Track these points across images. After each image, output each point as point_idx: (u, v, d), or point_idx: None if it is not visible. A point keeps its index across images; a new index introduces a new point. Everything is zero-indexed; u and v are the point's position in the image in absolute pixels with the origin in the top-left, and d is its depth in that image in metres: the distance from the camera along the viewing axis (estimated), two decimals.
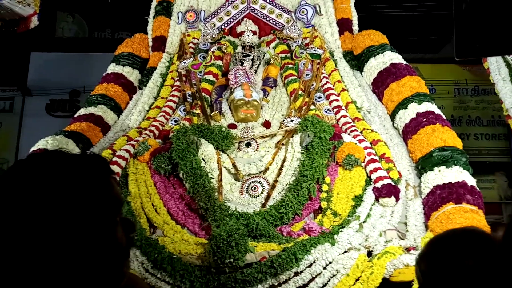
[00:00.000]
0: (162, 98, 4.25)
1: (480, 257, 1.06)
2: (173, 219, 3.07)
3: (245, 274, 2.56)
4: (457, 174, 3.02)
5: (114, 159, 3.36)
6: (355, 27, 4.81)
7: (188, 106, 4.03)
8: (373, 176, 3.09)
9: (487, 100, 7.09)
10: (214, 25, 4.92)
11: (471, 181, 3.00)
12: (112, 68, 4.65)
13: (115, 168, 3.29)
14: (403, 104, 3.72)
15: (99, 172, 0.84)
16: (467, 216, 2.65)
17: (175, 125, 3.87)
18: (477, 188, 2.94)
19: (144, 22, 5.16)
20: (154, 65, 4.68)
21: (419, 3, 6.79)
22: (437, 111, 3.58)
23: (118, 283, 0.82)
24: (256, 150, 3.61)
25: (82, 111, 4.17)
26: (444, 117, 3.55)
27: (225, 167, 3.42)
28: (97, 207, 0.80)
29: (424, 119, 3.45)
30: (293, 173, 3.23)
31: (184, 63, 4.46)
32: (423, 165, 3.26)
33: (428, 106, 3.61)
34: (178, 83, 4.33)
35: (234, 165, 3.44)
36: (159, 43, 4.85)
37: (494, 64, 4.30)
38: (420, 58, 7.20)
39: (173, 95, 4.22)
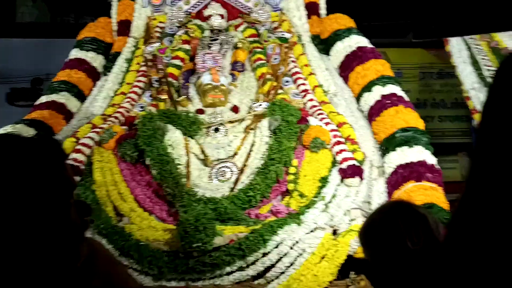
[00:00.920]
0: (128, 84, 4.16)
1: (411, 227, 1.12)
2: (140, 207, 3.04)
3: (214, 257, 2.58)
4: (418, 153, 3.12)
5: (78, 147, 3.29)
6: (323, 11, 4.81)
7: (155, 92, 3.96)
8: (339, 158, 3.15)
9: (451, 83, 7.26)
10: (181, 9, 4.81)
11: (432, 160, 3.11)
12: (75, 53, 4.50)
13: (79, 156, 3.22)
14: (368, 87, 3.79)
15: (51, 154, 0.84)
16: (427, 193, 2.74)
17: (141, 111, 3.81)
18: (437, 167, 3.05)
19: (109, 6, 5.01)
20: (119, 50, 4.56)
21: None
22: (401, 93, 3.67)
23: (73, 265, 0.82)
24: (225, 135, 3.60)
25: (43, 99, 4.03)
26: (407, 98, 3.65)
27: (193, 153, 3.41)
28: (49, 190, 0.79)
29: (388, 101, 3.53)
30: (262, 157, 3.26)
31: (150, 47, 4.37)
32: (387, 145, 3.35)
33: (392, 89, 3.69)
34: (144, 68, 4.23)
35: (202, 151, 3.43)
36: (124, 27, 4.72)
37: (455, 47, 4.41)
38: (387, 42, 7.28)
39: (139, 81, 4.13)
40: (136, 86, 4.09)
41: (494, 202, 0.67)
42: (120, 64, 4.39)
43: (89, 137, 3.37)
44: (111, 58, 4.55)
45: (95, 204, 2.90)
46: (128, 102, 3.92)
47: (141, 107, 3.91)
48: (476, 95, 3.98)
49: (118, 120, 3.69)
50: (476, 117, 4.07)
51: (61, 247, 0.79)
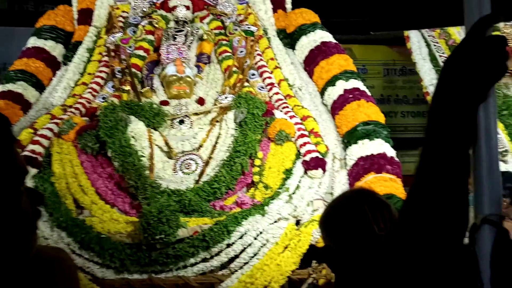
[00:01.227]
0: (89, 74, 4.03)
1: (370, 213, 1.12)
2: (101, 199, 2.97)
3: (177, 249, 2.57)
4: (379, 146, 3.22)
5: (36, 138, 3.17)
6: (289, 5, 4.84)
7: (117, 83, 3.87)
8: (302, 150, 3.20)
9: (413, 79, 7.48)
10: None
11: (391, 152, 3.21)
12: (33, 42, 4.33)
13: (37, 147, 3.11)
14: (331, 81, 3.86)
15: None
16: (387, 184, 2.84)
17: (103, 102, 3.71)
18: (396, 159, 3.16)
19: None
20: (80, 39, 4.41)
21: None
22: (363, 87, 3.76)
23: (25, 255, 0.78)
24: (190, 127, 3.57)
25: None
26: (369, 93, 3.74)
27: (157, 145, 3.36)
28: None
29: (351, 95, 3.61)
30: (227, 149, 3.25)
31: (113, 37, 4.26)
32: (349, 138, 3.43)
33: (354, 83, 3.77)
34: (106, 58, 4.12)
35: (166, 143, 3.39)
36: (85, 16, 4.57)
37: (416, 44, 4.56)
38: (353, 39, 7.42)
39: (101, 71, 4.02)
40: (98, 76, 3.98)
41: (438, 192, 0.71)
42: (81, 53, 4.25)
43: (48, 128, 3.25)
44: (71, 48, 4.41)
45: (54, 197, 2.81)
46: (89, 92, 3.81)
47: (103, 98, 3.81)
48: None
49: (79, 111, 3.58)
50: None
51: (11, 236, 0.75)
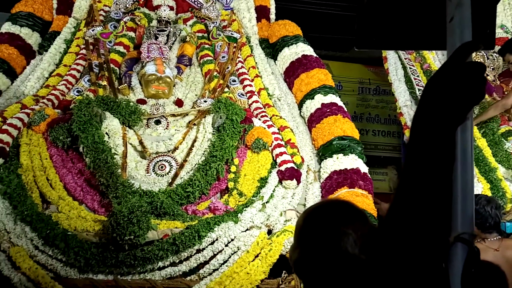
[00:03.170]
0: (65, 65, 3.92)
1: (354, 223, 1.10)
2: (70, 195, 2.87)
3: (145, 252, 2.49)
4: (353, 161, 3.28)
5: (4, 127, 3.03)
6: (273, 16, 4.90)
7: (94, 77, 3.77)
8: (278, 160, 3.21)
9: (386, 100, 7.72)
10: None
11: (364, 168, 3.28)
12: (7, 27, 4.17)
13: (4, 137, 2.97)
14: (310, 95, 3.91)
15: None
16: (358, 199, 2.88)
17: (77, 95, 3.60)
18: (369, 175, 3.23)
19: None
20: (58, 29, 4.29)
21: (334, 2, 7.13)
22: (340, 103, 3.83)
23: None
24: (166, 128, 3.51)
25: None
26: (345, 109, 3.81)
27: (131, 144, 3.28)
28: None
29: (328, 110, 3.67)
30: (203, 154, 3.21)
31: (93, 30, 4.16)
32: (324, 152, 3.48)
33: (332, 98, 3.84)
34: (84, 51, 4.02)
35: (141, 142, 3.31)
36: (65, 6, 4.45)
37: (393, 66, 4.69)
38: (331, 55, 7.57)
39: (77, 64, 3.91)
40: (74, 69, 3.87)
41: (417, 212, 0.73)
42: (58, 44, 4.13)
43: (17, 118, 3.12)
44: (48, 37, 4.28)
45: (20, 189, 2.69)
46: (64, 84, 3.70)
47: (78, 91, 3.71)
48: (408, 112, 4.25)
49: (52, 102, 3.46)
50: (407, 133, 4.35)
51: None
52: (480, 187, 3.80)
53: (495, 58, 4.78)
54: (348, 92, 7.76)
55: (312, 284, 1.12)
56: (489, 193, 3.72)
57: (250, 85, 4.05)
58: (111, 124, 3.21)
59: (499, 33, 5.09)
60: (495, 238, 2.33)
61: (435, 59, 4.71)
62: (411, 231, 0.73)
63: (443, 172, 0.73)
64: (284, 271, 2.54)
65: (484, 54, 4.75)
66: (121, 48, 4.06)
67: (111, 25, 4.27)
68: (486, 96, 4.54)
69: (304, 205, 3.13)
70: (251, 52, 4.46)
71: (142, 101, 3.66)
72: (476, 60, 4.60)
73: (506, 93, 4.52)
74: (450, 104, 0.72)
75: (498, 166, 3.87)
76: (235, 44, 4.37)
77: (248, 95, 3.96)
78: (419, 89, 4.55)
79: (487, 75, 4.59)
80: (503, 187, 3.74)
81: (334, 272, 1.09)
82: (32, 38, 4.20)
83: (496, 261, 2.17)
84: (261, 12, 4.82)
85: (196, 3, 4.78)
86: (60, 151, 3.06)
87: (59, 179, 2.91)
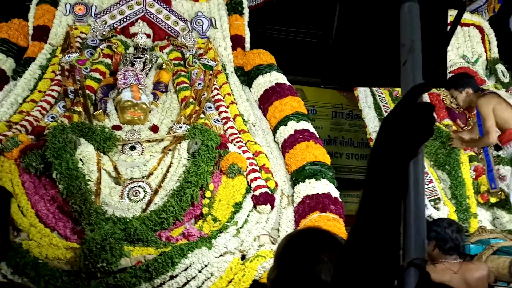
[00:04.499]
0: (40, 91, 3.91)
1: (329, 251, 1.14)
2: (41, 222, 2.83)
3: (118, 279, 2.48)
4: (324, 186, 3.36)
5: None
6: (247, 45, 5.05)
7: (69, 103, 3.78)
8: (253, 185, 3.26)
9: (358, 124, 7.93)
10: (106, 22, 4.72)
11: (335, 193, 3.36)
12: None
13: None
14: (283, 121, 4.03)
15: None
16: (330, 224, 2.95)
17: (52, 121, 3.60)
18: (340, 200, 3.31)
19: (24, 7, 4.72)
20: (33, 55, 4.30)
21: (308, 31, 7.40)
22: (312, 129, 3.95)
23: None
24: (141, 154, 3.52)
25: None
26: (317, 135, 3.93)
27: (105, 170, 3.27)
28: None
29: (300, 136, 3.78)
30: (178, 179, 3.23)
31: (69, 57, 4.19)
32: (297, 176, 3.56)
33: (304, 125, 3.95)
34: (59, 77, 4.03)
35: (115, 168, 3.31)
36: (41, 33, 4.48)
37: (362, 93, 4.89)
38: (305, 81, 7.77)
39: (52, 90, 3.92)
40: (49, 95, 3.87)
41: (373, 234, 0.80)
42: (33, 70, 4.13)
43: None
44: (23, 63, 4.28)
45: None
46: (38, 110, 3.69)
47: (52, 117, 3.70)
48: None
49: (25, 128, 3.44)
50: None
51: None
52: (447, 210, 3.95)
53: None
54: (322, 116, 7.95)
55: None
56: (454, 216, 3.87)
57: (226, 111, 4.13)
58: (86, 151, 3.21)
59: (461, 63, 5.38)
60: (455, 261, 2.42)
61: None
62: (365, 256, 0.80)
63: (395, 201, 0.81)
64: None
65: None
66: (97, 75, 4.10)
67: (88, 51, 4.31)
68: (451, 122, 4.76)
69: (278, 229, 3.18)
70: (227, 79, 4.57)
71: (117, 127, 3.68)
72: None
73: (470, 119, 4.74)
74: (402, 141, 0.80)
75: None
76: (211, 72, 4.47)
77: (223, 121, 4.04)
78: None
79: (451, 102, 4.81)
80: (469, 203, 3.90)
81: None
82: (6, 63, 4.20)
83: (454, 283, 2.26)
84: (237, 41, 4.96)
85: (172, 31, 4.89)
86: (32, 177, 3.03)
87: (31, 206, 2.88)
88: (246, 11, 5.17)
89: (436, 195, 4.05)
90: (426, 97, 5.01)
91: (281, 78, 4.51)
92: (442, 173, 4.23)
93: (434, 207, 3.96)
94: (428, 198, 3.97)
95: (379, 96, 4.97)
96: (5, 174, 2.98)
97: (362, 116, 4.80)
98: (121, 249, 2.57)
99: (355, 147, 7.98)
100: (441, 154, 4.20)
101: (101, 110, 3.80)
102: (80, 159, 3.15)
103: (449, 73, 5.22)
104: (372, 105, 4.79)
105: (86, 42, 4.45)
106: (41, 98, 3.82)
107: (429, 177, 4.10)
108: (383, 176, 0.80)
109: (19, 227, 2.76)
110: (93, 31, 4.56)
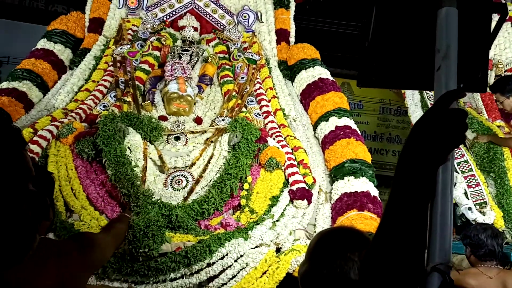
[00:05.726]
0: (93, 81, 4.16)
1: (359, 250, 1.18)
2: (91, 205, 3.04)
3: (159, 263, 2.63)
4: (363, 184, 3.35)
5: (35, 138, 3.25)
6: (292, 39, 5.06)
7: (120, 93, 3.99)
8: (290, 179, 3.31)
9: (406, 120, 7.70)
10: (156, 15, 4.90)
11: (374, 191, 3.35)
12: (43, 43, 4.46)
13: (35, 147, 3.18)
14: (325, 117, 4.02)
15: (10, 141, 0.85)
16: (367, 222, 2.95)
17: (103, 110, 3.81)
18: (379, 199, 3.29)
19: (82, 0, 5.00)
20: (89, 46, 4.56)
21: (356, 23, 7.25)
22: (354, 126, 3.93)
23: (23, 253, 0.81)
24: (185, 144, 3.67)
25: (4, 85, 3.95)
26: (359, 132, 3.90)
27: (151, 158, 3.45)
28: (6, 176, 0.80)
29: (341, 133, 3.77)
30: (218, 170, 3.34)
31: (121, 49, 4.41)
32: (336, 173, 3.56)
33: (346, 121, 3.94)
34: (111, 68, 4.25)
35: (160, 157, 3.48)
36: (96, 25, 4.73)
37: (410, 90, 4.77)
38: (353, 74, 7.63)
39: (105, 80, 4.15)
40: (101, 84, 4.10)
41: (398, 236, 0.82)
42: (88, 60, 4.38)
43: (47, 130, 3.34)
44: (79, 54, 4.54)
45: None
46: (91, 99, 3.92)
47: (104, 106, 3.92)
48: None
49: (79, 116, 3.68)
50: None
51: (12, 233, 0.78)
52: (493, 215, 3.82)
53: None
54: (369, 111, 7.78)
55: None
56: (501, 222, 3.73)
57: (267, 106, 4.19)
58: (134, 139, 3.39)
59: None
60: (493, 266, 2.35)
61: None
62: (390, 258, 0.83)
63: (421, 207, 0.83)
64: None
65: None
66: (146, 66, 4.29)
67: (138, 44, 4.51)
68: (503, 123, 4.56)
69: (314, 225, 3.22)
70: (270, 73, 4.62)
71: (163, 118, 3.84)
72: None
73: None
74: (431, 146, 0.81)
75: None
76: (254, 66, 4.54)
77: (264, 115, 4.10)
78: None
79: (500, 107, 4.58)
80: None
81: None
82: (64, 54, 4.48)
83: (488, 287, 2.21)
84: (281, 35, 4.99)
85: (219, 24, 4.99)
86: (84, 162, 3.24)
87: (83, 189, 3.09)
88: (292, 5, 5.17)
89: (483, 199, 3.92)
90: (477, 96, 4.81)
91: (325, 73, 4.50)
92: (488, 176, 4.08)
93: (480, 211, 3.83)
94: (474, 201, 3.86)
95: (427, 94, 4.83)
96: (61, 158, 3.21)
97: (408, 114, 4.69)
98: (163, 236, 2.71)
99: (402, 145, 7.72)
100: (486, 158, 4.06)
101: (149, 101, 3.99)
102: (128, 147, 3.33)
103: (505, 71, 4.97)
104: (419, 103, 4.67)
105: (137, 34, 4.66)
106: (95, 88, 4.06)
107: (476, 180, 3.98)
108: (410, 181, 0.81)
109: (71, 209, 2.98)
110: (144, 23, 4.75)
